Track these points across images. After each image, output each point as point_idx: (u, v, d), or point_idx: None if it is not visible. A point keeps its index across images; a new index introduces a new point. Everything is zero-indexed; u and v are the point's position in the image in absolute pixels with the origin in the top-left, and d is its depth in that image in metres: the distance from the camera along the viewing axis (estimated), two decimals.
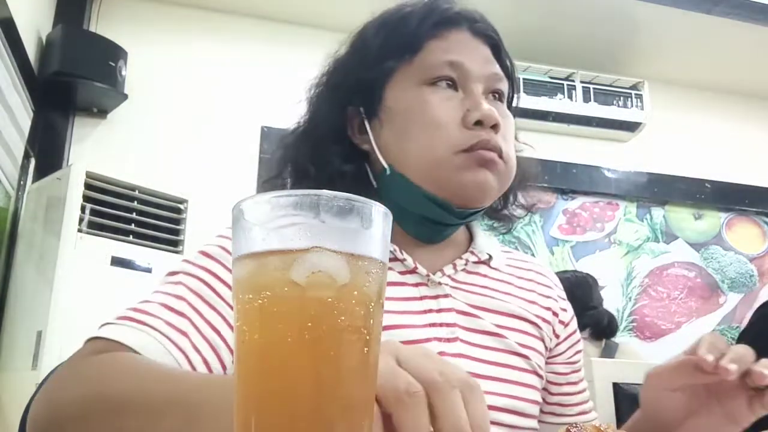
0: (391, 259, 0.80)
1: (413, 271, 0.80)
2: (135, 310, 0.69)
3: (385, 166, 0.80)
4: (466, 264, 0.83)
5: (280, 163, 0.88)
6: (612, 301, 3.59)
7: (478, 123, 0.77)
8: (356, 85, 0.83)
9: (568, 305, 0.92)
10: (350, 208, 0.36)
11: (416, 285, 0.79)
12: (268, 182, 0.90)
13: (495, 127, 0.78)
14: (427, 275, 0.79)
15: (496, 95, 0.83)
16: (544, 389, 0.85)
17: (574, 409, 0.88)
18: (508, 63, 0.87)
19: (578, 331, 0.92)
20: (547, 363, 0.86)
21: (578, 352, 0.90)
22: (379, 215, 0.38)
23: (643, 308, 3.72)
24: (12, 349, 2.59)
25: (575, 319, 0.92)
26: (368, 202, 0.37)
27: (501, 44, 0.86)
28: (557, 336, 0.87)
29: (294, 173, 0.86)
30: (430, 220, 0.81)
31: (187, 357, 0.66)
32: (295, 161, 0.86)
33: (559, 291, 0.92)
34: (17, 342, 2.56)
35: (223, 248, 0.76)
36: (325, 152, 0.82)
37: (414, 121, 0.78)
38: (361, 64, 0.83)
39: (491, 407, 0.74)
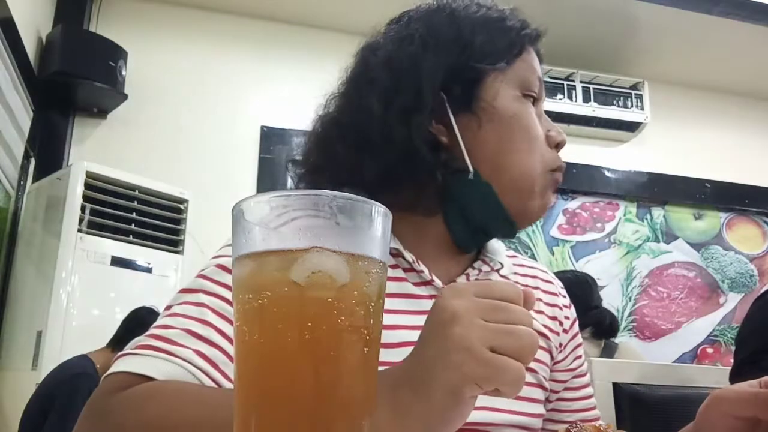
0: (406, 269, 0.77)
1: (428, 283, 0.78)
2: (158, 338, 0.63)
3: (471, 168, 0.75)
4: (479, 273, 0.82)
5: (319, 144, 0.80)
6: (612, 301, 3.59)
7: (557, 145, 0.79)
8: (452, 72, 0.76)
9: (570, 311, 0.90)
10: (350, 207, 0.36)
11: (431, 297, 0.77)
12: (300, 166, 0.82)
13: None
14: (442, 288, 0.77)
15: None
16: (546, 399, 0.85)
17: (573, 415, 0.86)
18: None
19: (579, 335, 0.91)
20: (550, 371, 0.85)
21: (579, 357, 0.89)
22: (380, 215, 0.37)
23: (643, 308, 3.72)
24: (12, 349, 2.59)
25: (577, 322, 0.91)
26: (369, 202, 0.37)
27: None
28: (560, 345, 0.86)
29: (354, 146, 0.76)
30: (483, 231, 0.80)
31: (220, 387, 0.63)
32: (371, 140, 0.75)
33: (563, 298, 0.90)
34: (17, 342, 2.57)
35: None
36: (408, 128, 0.74)
37: (521, 131, 0.77)
38: (460, 54, 0.76)
39: (497, 424, 0.73)
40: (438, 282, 0.77)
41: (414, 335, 0.71)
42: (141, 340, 0.64)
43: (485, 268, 0.82)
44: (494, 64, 0.77)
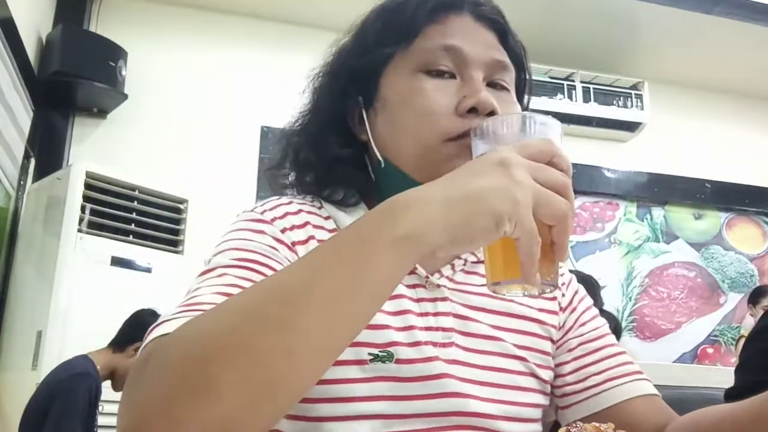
0: None
1: (412, 272, 0.76)
2: (188, 305, 0.59)
3: (380, 158, 0.77)
4: (465, 264, 0.80)
5: (282, 153, 0.86)
6: (612, 301, 3.59)
7: (473, 110, 0.72)
8: (353, 73, 0.80)
9: (570, 287, 0.86)
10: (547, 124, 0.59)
11: (413, 287, 0.76)
12: (270, 171, 0.87)
13: (492, 114, 0.72)
14: (426, 277, 0.76)
15: (499, 84, 0.78)
16: (564, 385, 0.80)
17: (603, 384, 0.78)
18: (518, 50, 0.82)
19: (585, 303, 0.85)
20: (555, 356, 0.80)
21: (584, 324, 0.83)
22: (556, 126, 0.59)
23: (643, 308, 3.72)
24: (12, 349, 2.59)
25: (579, 294, 0.86)
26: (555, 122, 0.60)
27: (508, 29, 0.80)
28: (561, 325, 0.82)
29: (295, 162, 0.84)
30: None
31: None
32: (296, 151, 0.84)
33: (561, 277, 0.85)
34: (17, 342, 2.57)
35: (256, 231, 0.71)
36: (324, 141, 0.80)
37: (405, 109, 0.75)
38: (359, 52, 0.80)
39: (488, 416, 0.71)
40: (422, 271, 0.76)
41: (394, 321, 0.71)
42: (174, 310, 0.60)
43: (472, 258, 0.81)
44: (387, 53, 0.78)
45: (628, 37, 3.57)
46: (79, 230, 2.49)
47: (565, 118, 3.51)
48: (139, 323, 2.25)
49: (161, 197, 2.76)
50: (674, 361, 3.67)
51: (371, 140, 0.78)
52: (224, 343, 0.47)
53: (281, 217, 0.73)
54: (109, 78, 2.91)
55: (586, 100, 3.61)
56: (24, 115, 2.67)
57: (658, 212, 3.86)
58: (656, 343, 3.70)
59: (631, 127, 3.69)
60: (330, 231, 0.75)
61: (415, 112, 0.75)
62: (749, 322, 3.53)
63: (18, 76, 2.51)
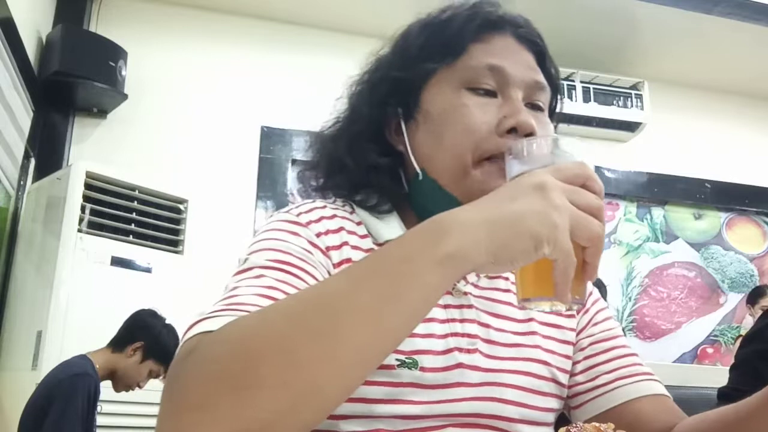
0: None
1: None
2: (229, 304, 0.60)
3: (418, 170, 0.79)
4: None
5: (316, 157, 0.88)
6: (612, 301, 3.59)
7: (513, 130, 0.75)
8: (395, 85, 0.82)
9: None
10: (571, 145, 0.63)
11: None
12: (303, 173, 0.89)
13: (530, 135, 0.75)
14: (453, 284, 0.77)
15: (536, 105, 0.81)
16: (575, 384, 0.81)
17: (613, 383, 0.80)
18: (553, 71, 0.86)
19: (599, 304, 0.87)
20: (574, 356, 0.82)
21: (596, 324, 0.84)
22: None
23: (643, 308, 3.72)
24: (12, 349, 2.59)
25: (593, 295, 0.88)
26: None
27: (546, 51, 0.85)
28: (576, 327, 0.84)
29: (329, 167, 0.85)
30: None
31: None
32: (331, 156, 0.85)
33: None
34: (17, 342, 2.57)
35: (292, 233, 0.72)
36: (361, 148, 0.82)
37: (447, 124, 0.77)
38: (402, 65, 0.82)
39: (509, 419, 0.73)
40: None
41: (421, 327, 0.72)
42: (214, 307, 0.60)
43: None
44: (430, 68, 0.80)
45: (628, 37, 3.57)
46: (79, 230, 2.49)
47: (565, 118, 3.48)
48: (138, 323, 2.25)
49: (161, 197, 2.77)
50: (674, 361, 3.67)
51: (409, 151, 0.80)
52: (269, 346, 0.49)
53: (316, 221, 0.74)
54: (109, 78, 2.91)
55: (586, 100, 3.61)
56: (24, 115, 2.67)
57: (658, 212, 3.86)
58: (656, 343, 3.70)
59: (631, 127, 3.69)
60: (361, 237, 0.76)
61: (457, 128, 0.77)
62: (749, 322, 3.53)
63: (18, 76, 2.51)
